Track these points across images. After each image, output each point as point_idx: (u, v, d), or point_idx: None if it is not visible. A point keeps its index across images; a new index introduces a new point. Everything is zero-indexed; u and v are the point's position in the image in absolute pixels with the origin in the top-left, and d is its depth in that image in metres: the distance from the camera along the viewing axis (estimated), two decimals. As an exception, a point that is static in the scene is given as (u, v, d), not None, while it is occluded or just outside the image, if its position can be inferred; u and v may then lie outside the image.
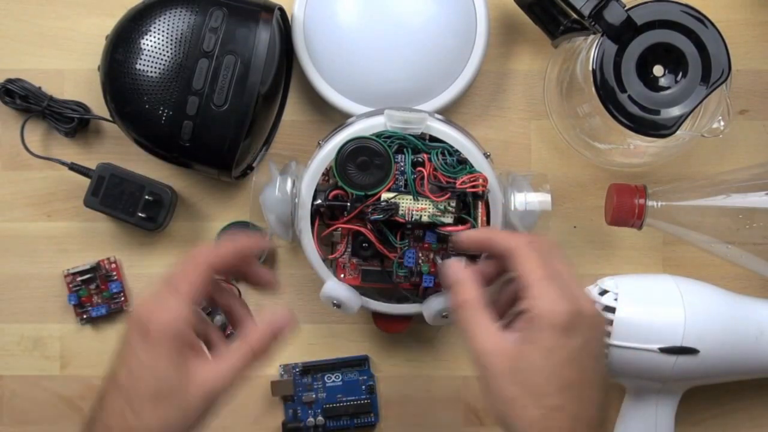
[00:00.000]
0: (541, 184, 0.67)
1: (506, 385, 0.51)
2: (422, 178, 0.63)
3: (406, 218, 0.63)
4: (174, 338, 0.51)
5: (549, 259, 0.54)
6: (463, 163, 0.65)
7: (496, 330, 0.53)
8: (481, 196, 0.64)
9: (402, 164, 0.64)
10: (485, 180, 0.63)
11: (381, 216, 0.63)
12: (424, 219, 0.63)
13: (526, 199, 0.66)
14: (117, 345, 0.53)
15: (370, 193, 0.63)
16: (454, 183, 0.63)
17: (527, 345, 0.51)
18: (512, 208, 0.66)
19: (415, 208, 0.63)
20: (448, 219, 0.63)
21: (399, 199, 0.63)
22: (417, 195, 0.63)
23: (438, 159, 0.64)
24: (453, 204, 0.63)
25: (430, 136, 0.65)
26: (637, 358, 0.64)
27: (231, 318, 0.59)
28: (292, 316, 0.56)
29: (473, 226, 0.63)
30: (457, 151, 0.65)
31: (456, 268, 0.57)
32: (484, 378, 0.53)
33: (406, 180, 0.64)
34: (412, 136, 0.64)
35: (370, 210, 0.63)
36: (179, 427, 0.52)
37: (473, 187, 0.63)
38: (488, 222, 0.65)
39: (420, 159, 0.64)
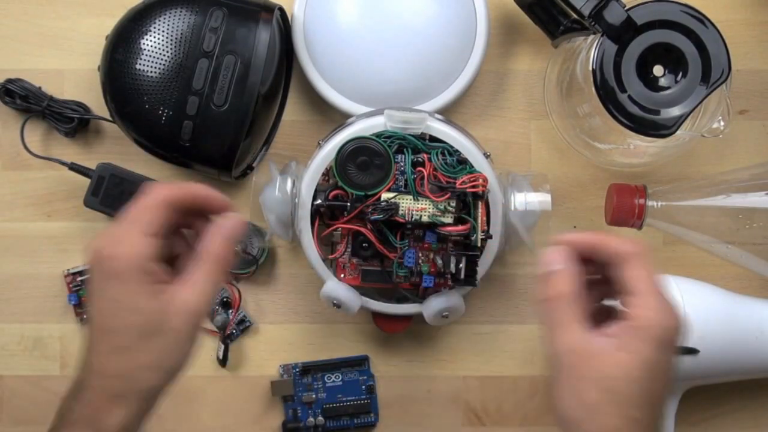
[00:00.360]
0: (541, 184, 0.67)
1: (591, 390, 0.50)
2: (422, 178, 0.63)
3: (406, 218, 0.63)
4: (143, 271, 0.50)
5: (652, 269, 0.52)
6: (463, 163, 0.65)
7: (586, 330, 0.51)
8: (481, 196, 0.63)
9: (402, 164, 0.64)
10: (485, 180, 0.63)
11: (381, 216, 0.63)
12: (424, 219, 0.63)
13: (526, 199, 0.66)
14: (87, 290, 0.51)
15: (370, 193, 0.63)
16: (454, 183, 0.63)
17: (624, 353, 0.50)
18: (512, 208, 0.66)
19: (415, 208, 0.63)
20: (448, 219, 0.63)
21: (399, 199, 0.63)
22: (417, 195, 0.63)
23: (438, 159, 0.64)
24: (453, 204, 0.63)
25: (430, 136, 0.65)
26: (637, 358, 0.64)
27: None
28: (238, 216, 0.54)
29: (473, 227, 0.63)
30: (457, 151, 0.65)
31: (556, 257, 0.53)
32: (565, 378, 0.51)
33: (406, 180, 0.64)
34: (412, 136, 0.64)
35: (370, 210, 0.63)
36: (174, 358, 0.51)
37: (473, 187, 0.63)
38: (488, 222, 0.65)
39: (420, 159, 0.64)
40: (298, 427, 0.73)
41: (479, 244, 0.63)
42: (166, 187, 0.53)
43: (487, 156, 0.66)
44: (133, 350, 0.50)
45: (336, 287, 0.66)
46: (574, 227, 0.74)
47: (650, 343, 0.50)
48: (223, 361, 0.73)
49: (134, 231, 0.51)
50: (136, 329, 0.50)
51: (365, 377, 0.73)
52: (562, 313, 0.52)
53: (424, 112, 0.66)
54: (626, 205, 0.67)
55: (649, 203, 0.68)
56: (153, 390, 0.51)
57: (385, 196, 0.63)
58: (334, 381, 0.73)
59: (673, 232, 0.69)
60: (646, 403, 0.50)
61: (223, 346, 0.73)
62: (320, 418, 0.73)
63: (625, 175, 0.73)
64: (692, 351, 0.64)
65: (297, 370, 0.73)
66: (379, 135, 0.64)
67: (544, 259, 0.54)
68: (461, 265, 0.63)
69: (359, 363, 0.73)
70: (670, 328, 0.50)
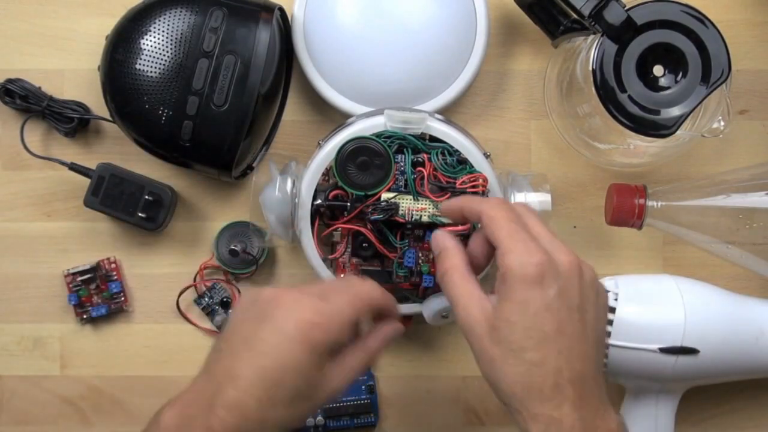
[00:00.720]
0: (541, 184, 0.67)
1: (488, 346, 0.52)
2: (422, 178, 0.63)
3: (406, 218, 0.63)
4: (331, 351, 0.54)
5: (520, 217, 0.55)
6: (463, 163, 0.65)
7: (480, 294, 0.54)
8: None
9: (402, 164, 0.64)
10: (485, 180, 0.63)
11: (381, 216, 0.63)
12: (424, 219, 0.63)
13: (526, 199, 0.66)
14: (266, 333, 0.53)
15: (370, 193, 0.63)
16: (454, 183, 0.63)
17: (502, 302, 0.52)
18: None
19: (415, 208, 0.63)
20: (445, 219, 0.63)
21: (399, 199, 0.63)
22: (417, 195, 0.63)
23: (438, 159, 0.64)
24: None
25: (430, 136, 0.65)
26: (637, 358, 0.64)
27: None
28: (401, 327, 0.60)
29: (473, 227, 0.63)
30: (457, 151, 0.65)
31: (442, 237, 0.58)
32: (471, 343, 0.53)
33: (406, 180, 0.64)
34: (412, 136, 0.64)
35: (370, 210, 0.63)
36: (303, 419, 0.57)
37: (473, 187, 0.63)
38: None
39: (420, 159, 0.64)
40: (297, 427, 0.73)
41: None
42: (380, 294, 0.58)
43: (487, 156, 0.66)
44: (279, 405, 0.52)
45: None
46: (574, 227, 0.74)
47: (519, 283, 0.51)
48: None
49: (345, 315, 0.55)
50: (292, 390, 0.52)
51: (365, 377, 0.73)
52: (457, 283, 0.55)
53: (424, 112, 0.66)
54: (626, 205, 0.67)
55: (649, 203, 0.68)
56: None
57: (385, 196, 0.63)
58: (334, 381, 0.73)
59: (673, 232, 0.69)
60: (542, 344, 0.51)
61: (223, 346, 0.72)
62: (320, 418, 0.73)
63: (625, 175, 0.73)
64: (692, 351, 0.64)
65: (297, 370, 0.73)
66: (379, 135, 0.64)
67: (433, 244, 0.58)
68: None
69: (359, 363, 0.73)
70: (535, 263, 0.51)
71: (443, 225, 0.63)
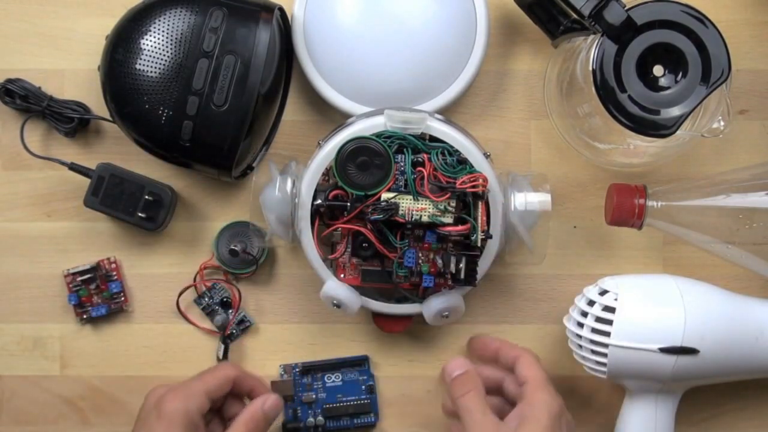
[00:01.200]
0: (541, 184, 0.67)
1: None
2: (422, 178, 0.63)
3: (406, 218, 0.63)
4: (191, 423, 0.62)
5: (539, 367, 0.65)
6: (463, 163, 0.65)
7: (496, 417, 0.61)
8: (482, 196, 0.63)
9: (402, 164, 0.64)
10: (485, 180, 0.63)
11: (381, 216, 0.63)
12: (424, 219, 0.63)
13: (526, 199, 0.66)
14: (136, 425, 0.64)
15: (370, 193, 0.63)
16: (454, 183, 0.63)
17: (529, 425, 0.60)
18: (512, 208, 0.66)
19: (415, 208, 0.63)
20: (448, 219, 0.63)
21: (399, 199, 0.63)
22: (417, 195, 0.63)
23: (438, 159, 0.64)
24: (453, 204, 0.63)
25: (430, 136, 0.65)
26: (637, 358, 0.64)
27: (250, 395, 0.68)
28: (277, 401, 0.66)
29: (473, 227, 0.63)
30: (457, 151, 0.65)
31: (459, 363, 0.65)
32: None
33: (406, 180, 0.64)
34: (412, 136, 0.64)
35: (370, 210, 0.63)
36: None
37: (473, 187, 0.63)
38: (488, 222, 0.65)
39: (420, 159, 0.64)
40: (298, 427, 0.73)
41: (479, 244, 0.63)
42: (236, 368, 0.67)
43: (487, 156, 0.66)
44: None
45: (336, 287, 0.66)
46: (574, 227, 0.74)
47: (546, 418, 0.61)
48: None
49: (198, 389, 0.63)
50: None
51: (365, 377, 0.73)
52: (475, 405, 0.62)
53: (424, 112, 0.66)
54: (626, 205, 0.67)
55: (649, 203, 0.68)
56: None
57: (385, 196, 0.63)
58: (334, 381, 0.73)
59: (673, 232, 0.69)
60: None
61: (223, 346, 0.73)
62: (320, 418, 0.73)
63: (625, 175, 0.73)
64: (692, 351, 0.64)
65: (297, 370, 0.73)
66: (379, 135, 0.64)
67: (448, 370, 0.65)
68: (461, 265, 0.63)
69: (359, 363, 0.73)
70: (558, 404, 0.62)
71: (443, 225, 0.63)
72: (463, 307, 0.67)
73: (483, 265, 0.66)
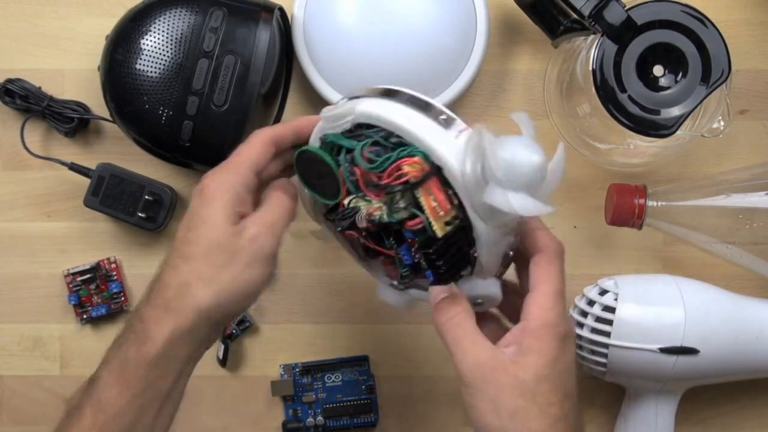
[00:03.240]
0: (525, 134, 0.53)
1: (511, 398, 0.51)
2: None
3: (366, 222, 0.56)
4: (235, 196, 0.55)
5: (563, 273, 0.55)
6: (399, 146, 0.54)
7: (490, 343, 0.52)
8: (417, 183, 0.52)
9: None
10: (419, 164, 0.52)
11: (345, 224, 0.57)
12: (385, 219, 0.55)
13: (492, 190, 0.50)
14: (185, 215, 0.57)
15: (334, 202, 0.57)
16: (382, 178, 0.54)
17: (530, 355, 0.51)
18: (485, 200, 0.51)
19: (370, 210, 0.55)
20: (399, 216, 0.54)
21: (358, 202, 0.56)
22: (364, 197, 0.56)
23: (363, 155, 0.54)
24: (400, 198, 0.54)
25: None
26: (637, 358, 0.64)
27: None
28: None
29: (428, 223, 0.53)
30: (392, 134, 0.54)
31: (439, 289, 0.56)
32: (479, 392, 0.51)
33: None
34: (339, 134, 0.56)
35: (337, 219, 0.58)
36: (232, 282, 0.54)
37: (398, 178, 0.53)
38: (461, 206, 0.53)
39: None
40: (298, 427, 0.73)
41: (439, 235, 0.53)
42: (272, 127, 0.58)
43: (446, 121, 0.53)
44: (198, 260, 0.54)
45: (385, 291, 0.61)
46: (574, 227, 0.74)
47: (553, 340, 0.52)
48: (223, 361, 0.73)
49: (238, 162, 0.56)
50: (206, 241, 0.54)
51: (365, 377, 0.73)
52: (461, 330, 0.53)
53: (358, 98, 0.56)
54: (626, 205, 0.67)
55: (649, 203, 0.68)
56: (203, 312, 0.53)
57: (346, 202, 0.56)
58: (334, 381, 0.73)
59: (673, 232, 0.69)
60: (561, 398, 0.51)
61: (223, 346, 0.73)
62: (320, 418, 0.73)
63: (625, 175, 0.73)
64: (692, 351, 0.64)
65: (297, 370, 0.73)
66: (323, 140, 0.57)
67: (433, 293, 0.56)
68: (421, 261, 0.55)
69: (359, 363, 0.73)
70: (565, 324, 0.53)
71: (403, 222, 0.54)
72: (499, 296, 0.57)
73: (490, 256, 0.55)
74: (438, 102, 0.55)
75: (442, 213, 0.53)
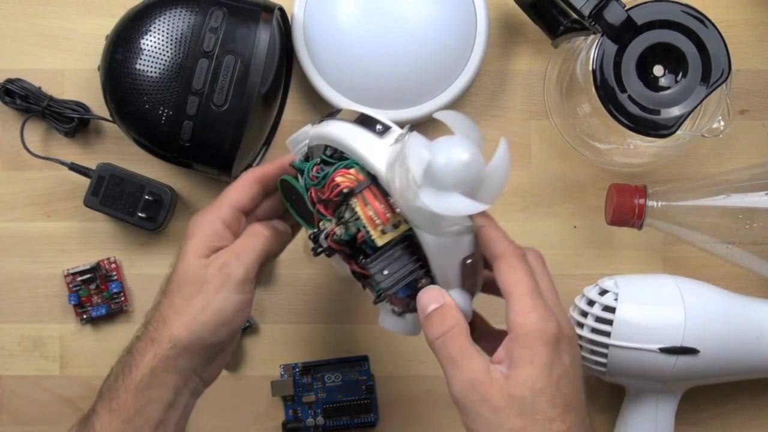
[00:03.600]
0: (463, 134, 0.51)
1: (508, 419, 0.48)
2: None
3: (329, 242, 0.54)
4: (203, 231, 0.58)
5: (535, 272, 0.52)
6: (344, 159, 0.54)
7: (486, 359, 0.50)
8: (348, 195, 0.52)
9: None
10: (352, 173, 0.52)
11: (317, 248, 0.56)
12: (344, 237, 0.53)
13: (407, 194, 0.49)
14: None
15: (313, 228, 0.57)
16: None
17: (522, 368, 0.48)
18: (415, 204, 0.49)
19: (330, 229, 0.54)
20: (352, 231, 0.53)
21: (324, 224, 0.55)
22: (324, 218, 0.55)
23: (311, 174, 0.55)
24: (345, 211, 0.53)
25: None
26: (637, 358, 0.64)
27: None
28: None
29: (366, 233, 0.52)
30: (337, 150, 0.55)
31: (436, 294, 0.52)
32: (477, 413, 0.49)
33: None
34: (301, 158, 0.57)
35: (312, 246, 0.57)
36: (203, 310, 0.56)
37: (333, 190, 0.53)
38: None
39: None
40: (298, 427, 0.73)
41: (379, 244, 0.52)
42: (257, 167, 0.61)
43: (381, 131, 0.53)
44: (173, 293, 0.57)
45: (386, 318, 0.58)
46: (574, 227, 0.74)
47: (543, 346, 0.48)
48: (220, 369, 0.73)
49: (219, 201, 0.59)
50: (179, 275, 0.57)
51: (365, 377, 0.73)
52: (456, 346, 0.50)
53: (318, 122, 0.57)
54: (626, 205, 0.67)
55: (649, 203, 0.68)
56: (179, 342, 0.56)
57: (320, 225, 0.55)
58: (334, 381, 0.73)
59: (673, 232, 0.69)
60: (562, 412, 0.48)
61: (223, 346, 0.73)
62: (320, 418, 0.73)
63: (625, 175, 0.73)
64: (692, 351, 0.64)
65: (297, 370, 0.73)
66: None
67: (422, 304, 0.52)
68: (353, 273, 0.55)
69: (359, 363, 0.73)
70: (554, 328, 0.49)
71: (355, 238, 0.53)
72: (466, 309, 0.55)
73: (439, 265, 0.52)
74: (379, 112, 0.55)
75: (379, 221, 0.52)
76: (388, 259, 0.53)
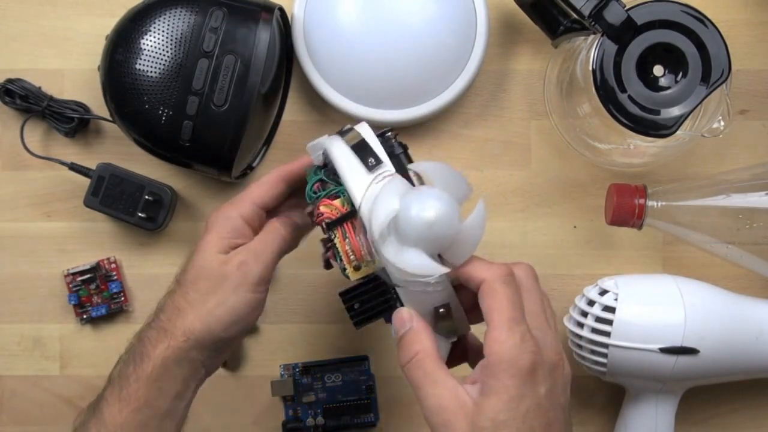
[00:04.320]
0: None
1: None
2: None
3: (323, 261, 0.56)
4: (231, 227, 0.58)
5: (523, 295, 0.50)
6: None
7: (454, 383, 0.49)
8: (333, 225, 0.52)
9: None
10: (336, 205, 0.52)
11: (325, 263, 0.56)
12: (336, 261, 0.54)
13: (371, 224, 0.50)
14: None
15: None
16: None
17: (489, 396, 0.47)
18: (381, 252, 0.50)
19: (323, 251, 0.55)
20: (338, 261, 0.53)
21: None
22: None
23: (310, 188, 0.55)
24: (332, 237, 0.53)
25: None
26: (637, 358, 0.64)
27: None
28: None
29: (341, 269, 0.53)
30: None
31: (404, 318, 0.51)
32: None
33: None
34: (315, 166, 0.57)
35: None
36: (219, 306, 0.56)
37: (317, 217, 0.53)
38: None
39: None
40: (298, 427, 0.73)
41: (352, 279, 0.53)
42: (282, 166, 0.60)
43: (373, 165, 0.51)
44: (189, 285, 0.57)
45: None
46: (574, 227, 0.74)
47: (511, 378, 0.47)
48: (223, 362, 0.73)
49: (241, 197, 0.59)
50: (196, 269, 0.57)
51: (365, 377, 0.73)
52: (426, 370, 0.50)
53: (330, 135, 0.56)
54: (626, 205, 0.67)
55: (649, 203, 0.68)
56: (193, 335, 0.56)
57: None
58: (334, 381, 0.73)
59: (673, 232, 0.69)
60: None
61: (223, 346, 0.73)
62: (320, 418, 0.73)
63: (625, 175, 0.73)
64: (692, 351, 0.64)
65: (297, 370, 0.73)
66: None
67: (394, 327, 0.52)
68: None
69: (359, 363, 0.73)
70: (529, 358, 0.47)
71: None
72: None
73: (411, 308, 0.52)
74: (377, 143, 0.53)
75: (353, 258, 0.52)
76: (361, 295, 0.53)
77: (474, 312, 0.53)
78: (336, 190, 0.53)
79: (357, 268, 0.52)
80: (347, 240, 0.52)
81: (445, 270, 0.48)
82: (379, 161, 0.52)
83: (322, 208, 0.52)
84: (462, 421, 0.48)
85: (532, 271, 0.52)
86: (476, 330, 0.55)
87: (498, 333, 0.48)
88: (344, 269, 0.52)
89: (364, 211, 0.50)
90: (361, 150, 0.52)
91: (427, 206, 0.48)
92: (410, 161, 0.53)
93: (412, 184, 0.51)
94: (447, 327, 0.52)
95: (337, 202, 0.52)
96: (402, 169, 0.52)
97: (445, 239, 0.49)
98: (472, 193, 0.51)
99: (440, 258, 0.50)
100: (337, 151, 0.53)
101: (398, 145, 0.53)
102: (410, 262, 0.48)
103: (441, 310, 0.51)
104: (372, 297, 0.53)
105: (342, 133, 0.55)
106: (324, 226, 0.52)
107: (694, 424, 0.73)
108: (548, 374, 0.48)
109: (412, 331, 0.51)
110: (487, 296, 0.49)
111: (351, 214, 0.51)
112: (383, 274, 0.51)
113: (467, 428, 0.47)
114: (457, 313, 0.52)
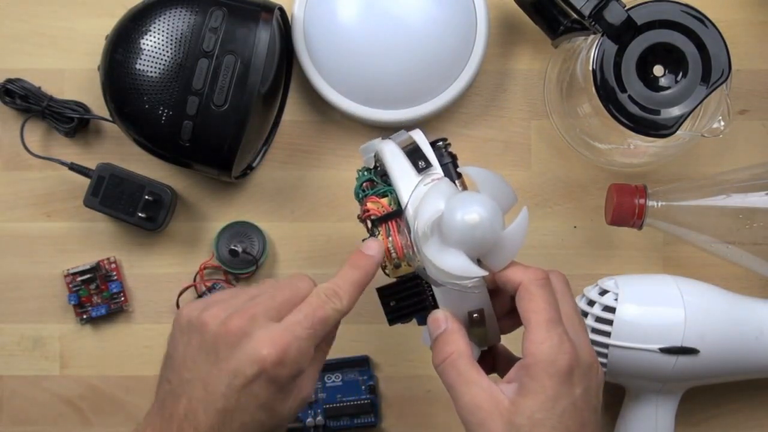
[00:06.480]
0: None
1: None
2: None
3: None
4: (296, 377, 0.50)
5: (558, 299, 0.51)
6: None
7: (488, 383, 0.49)
8: (378, 222, 0.54)
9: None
10: (383, 203, 0.54)
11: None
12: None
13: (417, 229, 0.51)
14: (223, 375, 0.49)
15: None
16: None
17: (526, 397, 0.48)
18: (423, 251, 0.51)
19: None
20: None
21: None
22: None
23: (359, 186, 0.57)
24: (377, 235, 0.54)
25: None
26: (637, 358, 0.64)
27: None
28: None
29: (400, 209, 0.53)
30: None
31: (440, 319, 0.52)
32: None
33: None
34: (365, 168, 0.58)
35: None
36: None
37: (363, 213, 0.55)
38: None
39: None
40: (298, 427, 0.73)
41: (391, 277, 0.54)
42: (356, 279, 0.53)
43: (423, 167, 0.53)
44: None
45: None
46: (574, 227, 0.74)
47: (549, 378, 0.48)
48: None
49: (304, 342, 0.50)
50: (257, 422, 0.49)
51: (365, 377, 0.73)
52: (461, 370, 0.50)
53: (383, 138, 0.57)
54: (626, 205, 0.67)
55: (649, 203, 0.68)
56: None
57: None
58: (334, 381, 0.73)
59: (673, 232, 0.69)
60: None
61: (223, 346, 0.72)
62: (320, 418, 0.73)
63: (625, 175, 0.73)
64: (692, 351, 0.64)
65: (297, 370, 0.73)
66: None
67: (429, 329, 0.52)
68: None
69: (359, 363, 0.73)
70: (567, 359, 0.48)
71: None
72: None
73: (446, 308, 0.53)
74: (427, 147, 0.54)
75: (394, 255, 0.53)
76: (398, 293, 0.54)
77: (507, 320, 0.54)
78: (384, 189, 0.54)
79: (397, 266, 0.54)
80: (390, 238, 0.53)
81: (483, 273, 0.49)
82: (429, 164, 0.53)
83: (369, 205, 0.54)
84: (498, 420, 0.48)
85: (565, 278, 0.53)
86: (505, 340, 0.56)
87: (536, 334, 0.49)
88: (384, 266, 0.53)
89: (409, 211, 0.52)
90: (413, 153, 0.54)
91: (472, 210, 0.49)
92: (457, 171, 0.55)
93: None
94: (479, 334, 0.53)
95: (384, 201, 0.54)
96: (450, 177, 0.54)
97: (486, 244, 0.50)
98: (516, 202, 0.52)
99: (479, 263, 0.51)
100: (389, 152, 0.54)
101: (448, 154, 0.55)
102: (450, 263, 0.49)
103: (475, 315, 0.52)
104: (408, 296, 0.54)
105: (397, 136, 0.56)
106: (370, 222, 0.54)
107: (694, 424, 0.73)
108: (584, 376, 0.49)
109: (447, 332, 0.52)
110: (524, 298, 0.50)
111: (396, 213, 0.53)
112: (423, 273, 0.52)
113: (503, 427, 0.48)
114: (490, 321, 0.53)
